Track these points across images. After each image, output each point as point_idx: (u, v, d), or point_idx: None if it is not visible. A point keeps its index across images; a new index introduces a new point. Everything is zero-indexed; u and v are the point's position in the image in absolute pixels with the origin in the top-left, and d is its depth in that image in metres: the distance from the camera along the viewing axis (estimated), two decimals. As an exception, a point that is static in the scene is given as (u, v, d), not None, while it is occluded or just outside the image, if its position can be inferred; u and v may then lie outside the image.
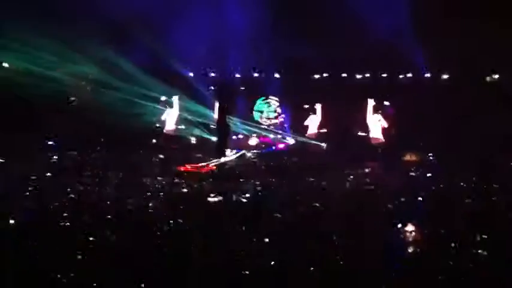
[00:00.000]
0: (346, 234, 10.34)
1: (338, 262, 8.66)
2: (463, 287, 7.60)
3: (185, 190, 16.99)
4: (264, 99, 27.97)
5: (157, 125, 27.96)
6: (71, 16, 21.51)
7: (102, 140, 25.34)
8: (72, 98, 25.91)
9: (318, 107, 27.04)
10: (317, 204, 13.94)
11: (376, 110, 25.95)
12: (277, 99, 27.81)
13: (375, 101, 25.92)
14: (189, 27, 22.51)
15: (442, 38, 21.29)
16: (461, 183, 17.05)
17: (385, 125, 25.88)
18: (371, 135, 26.16)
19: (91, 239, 9.56)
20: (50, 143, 24.46)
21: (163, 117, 28.10)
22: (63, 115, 23.61)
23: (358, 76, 25.98)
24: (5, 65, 24.56)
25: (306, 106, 27.22)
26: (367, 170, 21.98)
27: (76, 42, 22.69)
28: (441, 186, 16.82)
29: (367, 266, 8.18)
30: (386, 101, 25.72)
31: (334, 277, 7.74)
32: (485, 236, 9.51)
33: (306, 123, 27.36)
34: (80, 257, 8.62)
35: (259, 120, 28.06)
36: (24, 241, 9.03)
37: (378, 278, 7.53)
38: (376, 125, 26.04)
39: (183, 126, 28.27)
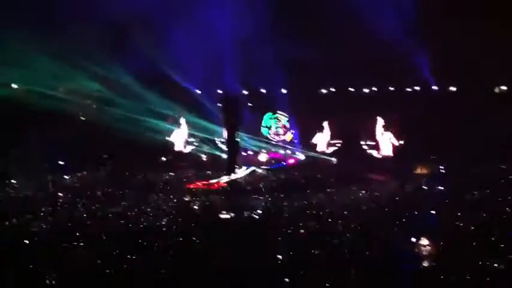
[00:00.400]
0: (356, 248, 10.36)
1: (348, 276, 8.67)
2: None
3: (196, 207, 17.03)
4: (272, 115, 28.04)
5: (167, 142, 28.15)
6: (76, 36, 21.66)
7: (111, 157, 25.45)
8: (82, 118, 26.05)
9: (325, 124, 27.04)
10: (329, 219, 13.97)
11: (386, 127, 25.88)
12: (285, 114, 27.85)
13: (384, 115, 25.83)
14: (196, 44, 22.75)
15: (449, 51, 21.29)
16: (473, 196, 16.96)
17: (396, 143, 25.80)
18: (381, 152, 26.04)
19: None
20: (61, 163, 24.57)
21: (172, 136, 28.29)
22: (71, 134, 23.65)
23: (366, 90, 25.94)
24: (14, 86, 24.83)
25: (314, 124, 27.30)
26: (377, 184, 21.93)
27: (81, 60, 22.86)
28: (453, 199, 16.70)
29: (376, 280, 8.20)
30: (395, 114, 25.61)
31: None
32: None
33: (314, 141, 27.33)
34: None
35: (268, 136, 28.11)
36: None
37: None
38: (386, 143, 25.95)
39: (192, 144, 28.40)
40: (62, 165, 24.33)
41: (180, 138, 28.34)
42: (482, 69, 21.84)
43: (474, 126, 21.71)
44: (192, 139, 28.37)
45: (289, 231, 12.30)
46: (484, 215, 13.45)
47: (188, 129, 28.30)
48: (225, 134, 26.52)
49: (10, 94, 23.59)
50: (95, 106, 26.49)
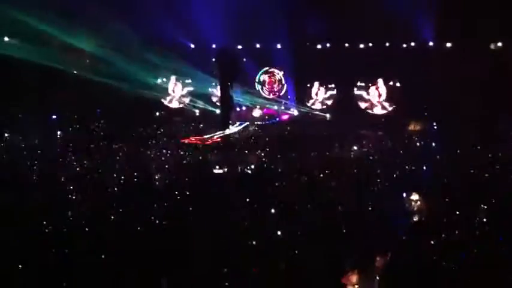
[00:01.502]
0: (349, 203, 10.49)
1: (341, 230, 8.79)
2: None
3: (190, 161, 17.12)
4: (265, 71, 27.79)
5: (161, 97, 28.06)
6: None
7: (105, 113, 25.38)
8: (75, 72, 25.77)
9: (316, 84, 26.94)
10: (320, 175, 14.10)
11: (380, 85, 25.79)
12: (280, 70, 27.61)
13: (380, 72, 25.67)
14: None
15: (445, 6, 20.99)
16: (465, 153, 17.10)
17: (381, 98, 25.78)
18: (377, 108, 26.01)
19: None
20: (54, 117, 24.46)
21: (168, 90, 28.16)
22: (64, 89, 23.44)
23: (361, 46, 25.65)
24: (6, 39, 24.42)
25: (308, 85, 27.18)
26: (371, 140, 22.07)
27: (75, 15, 22.40)
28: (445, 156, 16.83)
29: (370, 233, 8.29)
30: (390, 71, 25.46)
31: (336, 245, 7.83)
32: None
33: (308, 97, 27.24)
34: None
35: (261, 91, 27.95)
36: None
37: (379, 244, 7.62)
38: (382, 99, 25.91)
39: (186, 99, 28.28)
40: (55, 120, 24.33)
41: (173, 93, 28.19)
42: (480, 27, 21.61)
43: (471, 85, 21.63)
44: (185, 94, 28.21)
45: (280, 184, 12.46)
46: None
47: (182, 84, 28.11)
48: (219, 89, 26.35)
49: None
50: (88, 61, 26.15)
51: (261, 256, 7.80)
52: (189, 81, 27.89)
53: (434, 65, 23.06)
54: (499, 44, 23.59)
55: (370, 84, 26.00)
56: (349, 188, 11.99)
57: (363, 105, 26.13)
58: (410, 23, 22.46)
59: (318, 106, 27.04)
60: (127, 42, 23.87)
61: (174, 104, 28.23)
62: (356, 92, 26.23)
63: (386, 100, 25.76)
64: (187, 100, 28.13)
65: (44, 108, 23.39)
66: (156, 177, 14.12)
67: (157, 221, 9.42)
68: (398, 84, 25.48)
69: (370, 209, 10.14)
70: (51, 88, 22.92)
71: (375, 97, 25.94)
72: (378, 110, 25.96)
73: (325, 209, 10.07)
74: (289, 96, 27.65)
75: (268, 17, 22.73)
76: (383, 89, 25.77)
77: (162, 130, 24.56)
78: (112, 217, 9.64)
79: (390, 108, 25.67)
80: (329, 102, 26.88)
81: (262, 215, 9.82)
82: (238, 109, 26.98)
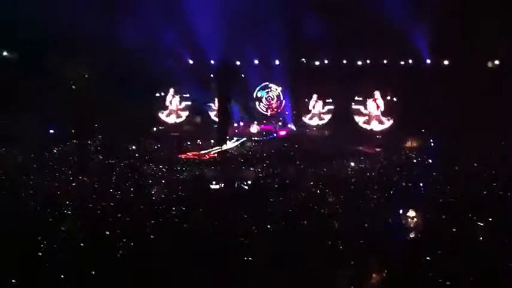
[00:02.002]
0: (345, 219, 10.44)
1: (337, 246, 8.73)
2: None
3: (187, 177, 17.06)
4: (263, 86, 27.90)
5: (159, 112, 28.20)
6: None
7: (103, 128, 25.34)
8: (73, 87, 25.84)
9: (316, 97, 27.02)
10: (317, 191, 14.05)
11: (379, 101, 25.89)
12: (278, 86, 27.72)
13: (376, 89, 25.80)
14: (190, 15, 22.44)
15: (443, 24, 21.13)
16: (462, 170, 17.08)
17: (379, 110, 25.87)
18: (373, 125, 26.08)
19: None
20: (51, 131, 24.44)
21: (165, 105, 28.32)
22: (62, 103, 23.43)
23: (359, 63, 25.79)
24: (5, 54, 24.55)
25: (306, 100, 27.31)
26: (368, 156, 22.08)
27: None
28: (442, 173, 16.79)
29: (366, 250, 8.25)
30: (388, 88, 25.60)
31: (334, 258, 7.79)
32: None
33: (305, 113, 27.34)
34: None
35: (258, 107, 28.06)
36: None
37: (375, 261, 7.56)
38: (379, 116, 25.99)
39: (184, 115, 28.41)
40: (51, 134, 24.31)
41: (171, 108, 28.34)
42: (476, 45, 21.74)
43: (466, 101, 21.70)
44: (183, 109, 28.37)
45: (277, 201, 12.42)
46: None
47: (180, 99, 28.26)
48: (217, 104, 26.43)
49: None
50: (86, 76, 26.25)
51: (257, 271, 7.74)
52: (187, 95, 28.02)
53: (432, 82, 23.16)
54: (496, 62, 23.73)
55: (367, 98, 26.08)
56: (346, 204, 11.93)
57: (360, 119, 26.20)
58: (409, 41, 22.60)
59: (315, 121, 27.12)
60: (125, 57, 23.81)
61: (171, 119, 28.34)
62: (354, 106, 26.30)
63: (383, 114, 25.84)
64: (184, 114, 28.26)
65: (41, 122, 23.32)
66: (153, 192, 14.03)
67: (152, 236, 9.33)
68: (395, 99, 25.56)
69: (366, 225, 10.06)
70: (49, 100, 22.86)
71: (373, 110, 26.00)
72: (375, 125, 26.02)
73: (321, 225, 10.01)
74: (287, 112, 27.72)
75: (266, 33, 22.85)
76: (380, 101, 25.85)
77: (159, 145, 24.51)
78: (107, 232, 9.53)
79: (388, 123, 25.73)
80: (327, 117, 26.95)
81: (258, 231, 9.74)
82: (235, 124, 27.00)
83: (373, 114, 26.04)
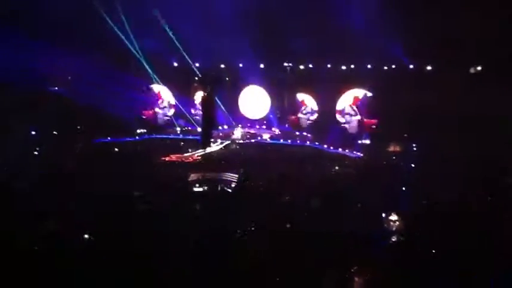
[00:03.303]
0: (327, 223, 10.48)
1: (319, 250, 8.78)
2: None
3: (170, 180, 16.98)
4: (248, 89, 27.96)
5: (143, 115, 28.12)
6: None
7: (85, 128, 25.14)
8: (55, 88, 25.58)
9: (301, 96, 27.11)
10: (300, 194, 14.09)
11: (360, 100, 26.03)
12: (262, 88, 27.74)
13: (359, 92, 25.98)
14: (175, 16, 22.41)
15: (426, 29, 21.34)
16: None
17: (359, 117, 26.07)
18: (355, 128, 26.22)
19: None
20: (33, 132, 24.14)
21: (149, 106, 28.26)
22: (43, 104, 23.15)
23: (343, 67, 25.93)
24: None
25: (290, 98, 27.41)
26: (351, 160, 22.23)
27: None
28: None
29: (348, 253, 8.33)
30: (370, 92, 25.78)
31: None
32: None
33: (290, 115, 27.46)
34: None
35: (243, 110, 28.12)
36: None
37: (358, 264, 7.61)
38: (360, 113, 26.14)
39: (168, 116, 28.35)
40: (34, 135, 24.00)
41: (156, 107, 28.34)
42: (459, 49, 21.96)
43: (448, 105, 21.88)
44: (167, 111, 28.32)
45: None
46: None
47: (164, 101, 28.22)
48: (200, 107, 26.34)
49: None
50: (69, 78, 26.02)
51: (240, 278, 7.74)
52: (171, 96, 28.00)
53: (414, 87, 23.35)
54: (478, 68, 24.00)
55: (350, 102, 26.24)
56: (328, 208, 11.97)
57: (343, 123, 26.37)
58: (391, 46, 22.78)
59: (301, 123, 27.24)
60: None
61: (155, 120, 28.33)
62: (337, 109, 26.41)
63: (366, 119, 25.99)
64: (168, 116, 28.27)
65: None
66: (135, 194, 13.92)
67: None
68: (377, 104, 25.71)
69: (349, 229, 10.11)
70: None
71: (356, 114, 26.14)
72: (357, 129, 26.16)
73: (303, 229, 10.04)
74: (271, 116, 27.77)
75: (252, 37, 22.88)
76: (363, 106, 25.99)
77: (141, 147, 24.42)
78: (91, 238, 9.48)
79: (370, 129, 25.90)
80: (312, 118, 27.06)
81: (241, 234, 9.75)
82: (219, 127, 26.96)
83: (356, 118, 26.15)
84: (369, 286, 6.32)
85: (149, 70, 25.68)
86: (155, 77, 26.59)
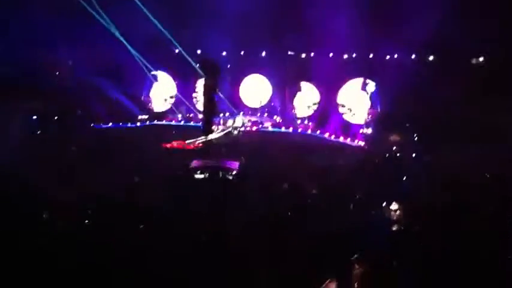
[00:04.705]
0: (329, 212, 10.53)
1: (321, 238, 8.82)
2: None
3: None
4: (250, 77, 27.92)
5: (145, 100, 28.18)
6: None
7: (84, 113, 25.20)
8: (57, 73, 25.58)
9: (304, 84, 27.06)
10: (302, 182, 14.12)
11: (364, 89, 25.97)
12: (264, 76, 27.69)
13: (362, 81, 25.95)
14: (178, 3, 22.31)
15: (430, 20, 21.22)
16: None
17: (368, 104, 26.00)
18: (357, 118, 26.18)
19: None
20: (34, 117, 24.12)
21: (151, 93, 28.24)
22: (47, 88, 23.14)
23: (345, 56, 25.86)
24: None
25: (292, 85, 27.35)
26: (352, 148, 22.25)
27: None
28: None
29: (349, 242, 8.36)
30: (373, 81, 25.74)
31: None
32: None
33: (294, 102, 27.42)
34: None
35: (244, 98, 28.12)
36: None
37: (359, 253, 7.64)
38: (361, 103, 26.07)
39: (170, 103, 28.40)
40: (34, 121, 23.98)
41: (158, 93, 28.35)
42: (462, 40, 21.85)
43: (451, 97, 21.84)
44: (170, 97, 28.38)
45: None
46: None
47: (166, 87, 28.24)
48: (202, 94, 26.30)
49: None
50: (70, 63, 25.98)
51: (242, 262, 7.79)
52: (174, 84, 28.03)
53: (417, 77, 23.29)
54: (481, 59, 23.95)
55: (352, 91, 26.19)
56: (330, 197, 12.03)
57: (345, 112, 26.34)
58: (395, 35, 22.63)
59: (302, 112, 27.23)
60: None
61: (158, 107, 28.38)
62: (339, 99, 26.35)
63: (368, 109, 25.96)
64: (170, 103, 28.32)
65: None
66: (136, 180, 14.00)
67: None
68: (381, 93, 25.66)
69: (351, 218, 10.17)
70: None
71: (358, 103, 26.10)
72: (359, 119, 26.11)
73: (305, 217, 10.09)
74: (272, 103, 27.76)
75: (253, 25, 22.76)
76: (366, 95, 25.93)
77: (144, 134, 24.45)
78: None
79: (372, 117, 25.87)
80: (312, 109, 27.04)
81: (244, 222, 9.79)
82: (221, 115, 26.96)
83: (358, 107, 26.12)
84: (370, 274, 6.35)
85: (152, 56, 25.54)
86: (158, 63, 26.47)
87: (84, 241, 8.56)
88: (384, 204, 10.38)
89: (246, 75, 27.90)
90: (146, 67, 25.93)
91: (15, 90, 21.02)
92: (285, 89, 27.60)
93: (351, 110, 26.34)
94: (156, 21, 22.18)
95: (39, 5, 20.66)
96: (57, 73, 25.78)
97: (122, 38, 22.93)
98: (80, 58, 24.80)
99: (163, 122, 27.61)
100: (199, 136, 23.22)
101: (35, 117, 23.77)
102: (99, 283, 7.18)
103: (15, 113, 20.85)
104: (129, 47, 23.67)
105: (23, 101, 21.52)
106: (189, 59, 25.37)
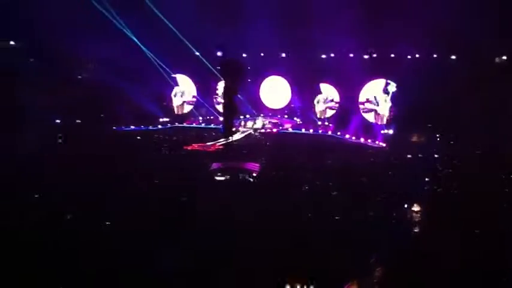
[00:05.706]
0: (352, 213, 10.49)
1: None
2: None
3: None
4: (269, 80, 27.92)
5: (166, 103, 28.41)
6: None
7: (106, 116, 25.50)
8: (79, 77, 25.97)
9: (323, 86, 26.95)
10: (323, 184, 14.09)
11: (385, 90, 25.72)
12: (284, 78, 27.66)
13: (382, 81, 25.73)
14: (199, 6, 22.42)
15: (451, 19, 20.98)
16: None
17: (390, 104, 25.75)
18: (379, 118, 25.94)
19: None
20: (58, 121, 24.47)
21: (172, 95, 28.49)
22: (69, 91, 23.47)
23: (366, 56, 25.68)
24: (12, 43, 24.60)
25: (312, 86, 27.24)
26: (372, 150, 22.11)
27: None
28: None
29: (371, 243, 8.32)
30: (394, 81, 25.50)
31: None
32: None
33: (314, 103, 27.32)
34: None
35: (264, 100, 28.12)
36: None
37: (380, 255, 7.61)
38: (384, 104, 25.81)
39: (191, 105, 28.59)
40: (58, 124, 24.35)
41: (179, 96, 28.58)
42: (483, 39, 21.56)
43: (473, 96, 21.54)
44: (190, 99, 28.56)
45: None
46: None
47: (187, 90, 28.43)
48: (223, 96, 26.42)
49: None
50: (92, 65, 26.31)
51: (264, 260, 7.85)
52: (195, 87, 28.22)
53: (439, 77, 23.01)
54: (504, 57, 23.60)
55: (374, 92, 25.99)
56: (352, 198, 11.98)
57: (367, 113, 26.14)
58: (417, 35, 22.42)
59: (322, 113, 27.13)
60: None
61: (178, 110, 28.61)
62: (361, 99, 26.16)
63: (389, 110, 25.70)
64: (190, 106, 28.50)
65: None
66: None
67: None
68: (402, 93, 25.38)
69: (373, 219, 10.13)
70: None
71: (381, 104, 25.88)
72: (382, 119, 25.85)
73: (327, 218, 10.08)
74: (292, 105, 27.72)
75: (273, 27, 22.77)
76: (388, 96, 25.68)
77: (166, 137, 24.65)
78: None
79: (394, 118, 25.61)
80: (333, 110, 26.92)
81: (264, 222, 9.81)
82: (241, 117, 27.03)
83: (380, 108, 25.89)
84: (391, 273, 6.32)
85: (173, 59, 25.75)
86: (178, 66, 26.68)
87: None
88: (406, 205, 10.31)
89: (265, 77, 27.89)
90: (166, 70, 26.19)
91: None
92: (305, 91, 27.49)
93: (378, 104, 25.97)
94: (175, 24, 22.42)
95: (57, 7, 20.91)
96: (79, 77, 26.18)
97: (141, 42, 23.30)
98: (101, 62, 25.14)
99: (184, 125, 27.75)
100: (220, 138, 23.34)
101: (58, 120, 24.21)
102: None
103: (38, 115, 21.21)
104: (148, 51, 24.01)
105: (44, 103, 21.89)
106: (209, 62, 25.58)
